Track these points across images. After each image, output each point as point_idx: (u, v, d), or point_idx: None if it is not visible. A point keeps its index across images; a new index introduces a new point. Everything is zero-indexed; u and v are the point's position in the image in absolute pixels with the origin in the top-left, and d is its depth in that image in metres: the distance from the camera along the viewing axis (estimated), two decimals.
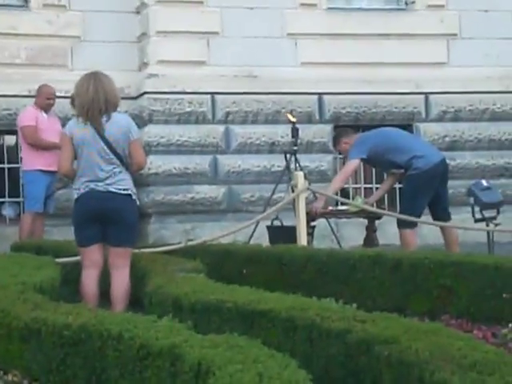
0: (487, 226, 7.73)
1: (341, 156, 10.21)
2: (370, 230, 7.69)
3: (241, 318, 4.22)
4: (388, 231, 8.04)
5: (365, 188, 10.23)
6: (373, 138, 7.47)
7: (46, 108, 8.36)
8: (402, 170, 7.50)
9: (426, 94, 10.09)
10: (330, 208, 7.76)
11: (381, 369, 3.53)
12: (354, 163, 7.39)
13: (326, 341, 3.86)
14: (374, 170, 10.27)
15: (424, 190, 7.23)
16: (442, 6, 10.19)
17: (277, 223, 8.00)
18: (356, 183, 10.27)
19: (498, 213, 7.84)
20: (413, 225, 7.23)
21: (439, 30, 10.16)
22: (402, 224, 7.25)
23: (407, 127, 10.05)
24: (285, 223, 7.86)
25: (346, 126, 10.11)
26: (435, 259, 5.62)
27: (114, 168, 5.11)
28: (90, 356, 3.73)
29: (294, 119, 8.27)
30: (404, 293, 5.60)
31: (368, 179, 10.25)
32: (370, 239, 7.64)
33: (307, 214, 7.18)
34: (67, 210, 8.23)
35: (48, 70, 9.26)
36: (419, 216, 7.28)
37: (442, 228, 7.42)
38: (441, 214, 7.40)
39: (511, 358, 3.38)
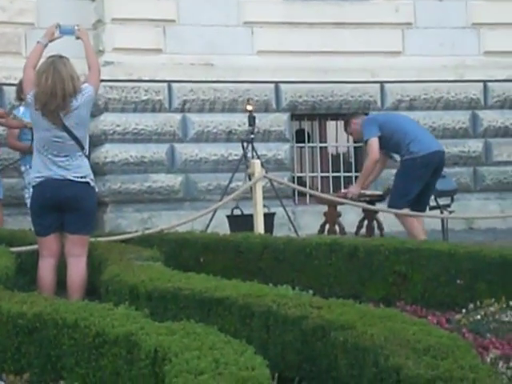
0: (441, 213, 7.83)
1: (298, 145, 10.27)
2: (370, 217, 7.75)
3: (198, 306, 4.23)
4: (347, 220, 8.08)
5: (322, 177, 10.29)
6: (379, 119, 7.57)
7: None
8: (397, 156, 7.54)
9: (381, 82, 10.15)
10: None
11: (336, 354, 3.57)
12: (374, 141, 7.31)
13: (282, 327, 3.89)
14: (330, 159, 10.34)
15: (416, 177, 7.19)
16: None
17: (237, 212, 8.01)
18: (313, 172, 10.32)
19: (452, 200, 7.95)
20: (401, 208, 7.17)
21: (394, 19, 10.23)
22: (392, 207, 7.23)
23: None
24: (245, 212, 7.87)
25: (302, 115, 10.19)
26: (391, 246, 5.67)
27: (72, 154, 5.06)
28: (45, 344, 3.71)
29: (250, 108, 8.27)
30: (360, 280, 5.65)
31: (325, 168, 10.31)
32: (371, 227, 7.74)
33: (343, 198, 7.39)
34: (22, 199, 8.16)
35: (1, 58, 9.14)
36: (408, 202, 7.21)
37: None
38: (417, 206, 7.28)
39: (465, 343, 3.44)
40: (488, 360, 3.86)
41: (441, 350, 3.19)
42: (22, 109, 7.97)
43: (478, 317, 4.73)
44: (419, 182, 7.23)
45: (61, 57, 5.06)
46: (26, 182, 7.91)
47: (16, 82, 8.29)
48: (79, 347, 3.59)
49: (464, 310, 4.93)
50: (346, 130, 8.08)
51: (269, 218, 7.45)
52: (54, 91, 4.92)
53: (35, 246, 5.41)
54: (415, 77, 10.12)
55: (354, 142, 10.30)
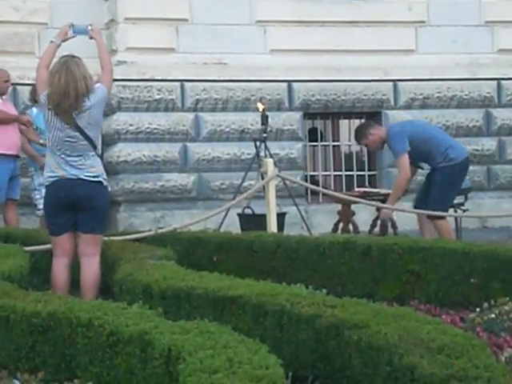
0: (455, 212, 7.80)
1: (311, 144, 10.25)
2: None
3: (211, 305, 4.23)
4: (361, 218, 8.06)
5: (334, 175, 10.27)
6: (407, 130, 7.25)
7: (4, 91, 8.20)
8: (425, 165, 7.37)
9: (394, 81, 10.13)
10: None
11: (350, 353, 3.56)
12: (405, 157, 7.09)
13: (295, 326, 3.88)
14: (342, 158, 10.32)
15: (456, 183, 7.19)
16: None
17: (248, 211, 8.00)
18: (326, 170, 10.31)
19: (466, 199, 7.92)
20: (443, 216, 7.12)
21: (407, 17, 10.19)
22: (433, 215, 7.07)
23: (376, 114, 10.11)
24: (256, 211, 7.87)
25: (315, 114, 10.17)
26: (404, 245, 5.66)
27: (85, 154, 5.07)
28: (59, 343, 3.72)
29: (262, 107, 8.26)
30: (373, 278, 5.64)
31: (338, 166, 10.30)
32: (385, 226, 7.68)
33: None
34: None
35: (15, 58, 9.17)
36: (448, 209, 7.21)
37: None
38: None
39: (479, 342, 3.42)
40: (502, 359, 3.84)
41: (455, 348, 3.18)
42: (35, 110, 7.99)
43: (493, 315, 4.71)
44: (458, 187, 7.26)
45: (73, 56, 5.07)
46: (36, 184, 7.94)
47: (29, 81, 8.31)
48: (93, 346, 3.60)
49: (478, 309, 4.91)
50: (358, 141, 7.65)
51: (280, 217, 7.44)
52: (66, 91, 4.93)
53: (49, 246, 5.43)
54: (428, 75, 10.09)
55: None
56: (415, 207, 7.36)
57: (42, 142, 7.61)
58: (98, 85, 5.15)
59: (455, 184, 7.22)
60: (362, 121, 9.89)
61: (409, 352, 3.17)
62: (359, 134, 7.55)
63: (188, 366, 2.91)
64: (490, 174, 10.34)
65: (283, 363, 3.03)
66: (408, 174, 7.15)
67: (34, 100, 7.76)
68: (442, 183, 7.16)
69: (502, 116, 10.38)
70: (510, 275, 5.36)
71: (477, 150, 10.25)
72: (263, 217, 7.08)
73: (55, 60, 5.20)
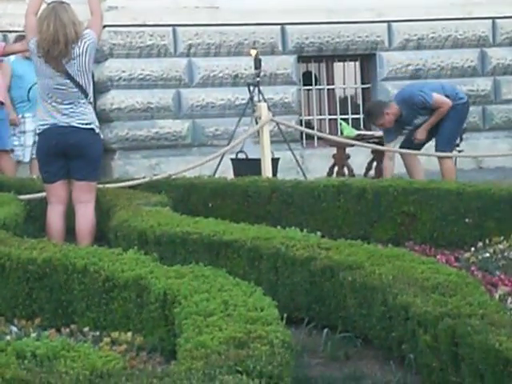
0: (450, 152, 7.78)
1: (305, 87, 10.19)
2: (379, 158, 7.66)
3: (206, 249, 4.24)
4: (356, 161, 8.05)
5: (329, 119, 10.23)
6: (413, 88, 7.42)
7: None
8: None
9: (388, 22, 10.03)
10: (357, 132, 7.73)
11: (345, 294, 3.59)
12: (438, 95, 7.19)
13: (290, 269, 3.90)
14: (337, 102, 10.27)
15: (463, 121, 7.37)
16: None
17: (241, 156, 7.98)
18: (320, 114, 10.27)
19: (461, 140, 7.90)
20: (451, 152, 7.30)
21: None
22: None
23: (370, 56, 10.03)
24: (250, 156, 7.84)
25: (309, 57, 10.09)
26: (399, 187, 5.66)
27: (76, 101, 5.03)
28: (55, 290, 3.74)
29: (255, 52, 8.17)
30: (368, 221, 5.65)
31: (333, 110, 10.25)
32: (380, 168, 7.64)
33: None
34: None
35: (3, 4, 9.06)
36: (453, 148, 7.38)
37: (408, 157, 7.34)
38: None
39: (473, 280, 3.44)
40: (497, 297, 3.86)
41: (449, 287, 3.20)
42: (12, 57, 7.83)
43: (487, 254, 4.73)
44: (462, 127, 7.40)
45: (62, 2, 5.00)
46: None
47: (20, 28, 8.20)
48: (89, 292, 3.62)
49: (473, 248, 4.93)
50: (373, 122, 7.53)
51: (273, 162, 7.41)
52: (56, 38, 4.87)
53: (44, 194, 5.42)
54: (423, 15, 9.99)
55: (362, 83, 10.24)
56: (401, 147, 7.35)
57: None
58: (88, 31, 5.08)
59: (462, 122, 7.37)
60: (357, 63, 9.85)
61: (403, 291, 3.19)
62: (375, 115, 7.28)
63: (183, 310, 2.93)
64: (485, 114, 10.31)
65: (279, 306, 3.04)
66: (449, 103, 7.19)
67: None
68: (454, 120, 7.24)
69: (497, 55, 10.31)
70: (504, 214, 5.37)
71: (472, 91, 10.20)
72: (257, 161, 7.05)
73: (43, 6, 5.13)
